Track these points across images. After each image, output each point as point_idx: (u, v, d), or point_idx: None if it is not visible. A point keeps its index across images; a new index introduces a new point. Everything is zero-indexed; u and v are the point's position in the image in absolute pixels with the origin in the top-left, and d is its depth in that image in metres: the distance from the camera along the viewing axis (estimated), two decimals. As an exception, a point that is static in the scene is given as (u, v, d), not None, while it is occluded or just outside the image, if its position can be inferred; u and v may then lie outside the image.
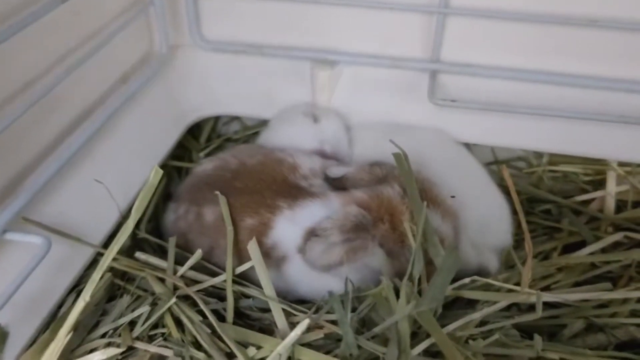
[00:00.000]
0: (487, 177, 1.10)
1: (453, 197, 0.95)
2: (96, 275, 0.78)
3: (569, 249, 1.08)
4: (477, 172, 1.11)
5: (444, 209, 0.92)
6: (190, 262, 0.90)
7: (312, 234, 0.85)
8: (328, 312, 0.82)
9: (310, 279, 0.90)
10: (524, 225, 0.98)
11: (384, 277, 0.80)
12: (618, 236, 1.06)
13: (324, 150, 1.11)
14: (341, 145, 1.14)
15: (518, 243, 1.06)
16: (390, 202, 0.88)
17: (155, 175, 0.80)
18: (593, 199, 1.19)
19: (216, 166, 1.05)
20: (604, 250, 1.05)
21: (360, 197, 0.89)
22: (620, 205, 1.17)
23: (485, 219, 1.03)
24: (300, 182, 0.97)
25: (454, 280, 0.86)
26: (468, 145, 1.22)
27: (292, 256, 0.90)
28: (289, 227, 0.91)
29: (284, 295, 0.87)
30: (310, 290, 0.92)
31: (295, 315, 0.84)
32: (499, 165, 1.26)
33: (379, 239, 0.87)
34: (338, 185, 0.95)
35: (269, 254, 0.90)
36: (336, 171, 0.98)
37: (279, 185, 0.96)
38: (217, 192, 0.94)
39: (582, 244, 1.07)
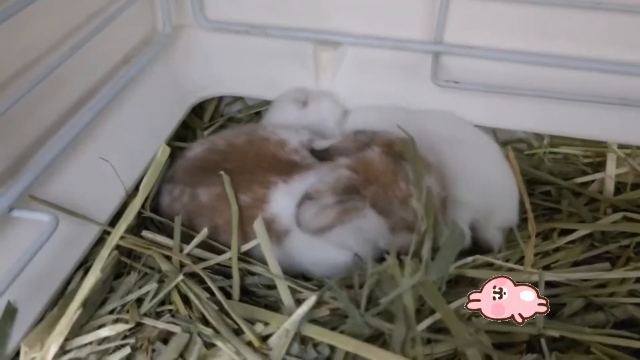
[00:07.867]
0: (499, 154, 1.11)
1: None
2: (105, 252, 0.78)
3: (568, 229, 1.09)
4: (491, 149, 1.11)
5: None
6: (196, 240, 0.90)
7: (305, 197, 0.87)
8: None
9: (313, 251, 0.92)
10: (528, 206, 0.99)
11: (389, 255, 0.81)
12: (617, 217, 1.07)
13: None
14: (326, 129, 1.14)
15: (520, 223, 1.07)
16: (374, 163, 0.91)
17: (162, 153, 0.80)
18: (592, 181, 1.20)
19: (205, 149, 1.06)
20: (602, 232, 1.06)
21: (346, 163, 0.92)
22: (620, 187, 1.18)
23: (495, 196, 1.04)
24: (292, 157, 0.99)
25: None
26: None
27: (293, 230, 0.91)
28: (286, 200, 0.92)
29: (286, 270, 0.88)
30: (313, 263, 0.94)
31: (300, 292, 0.85)
32: (502, 147, 1.27)
33: (370, 200, 0.90)
34: (325, 157, 0.97)
35: (268, 228, 0.91)
36: (322, 143, 1.00)
37: (269, 162, 0.97)
38: (222, 173, 0.94)
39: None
